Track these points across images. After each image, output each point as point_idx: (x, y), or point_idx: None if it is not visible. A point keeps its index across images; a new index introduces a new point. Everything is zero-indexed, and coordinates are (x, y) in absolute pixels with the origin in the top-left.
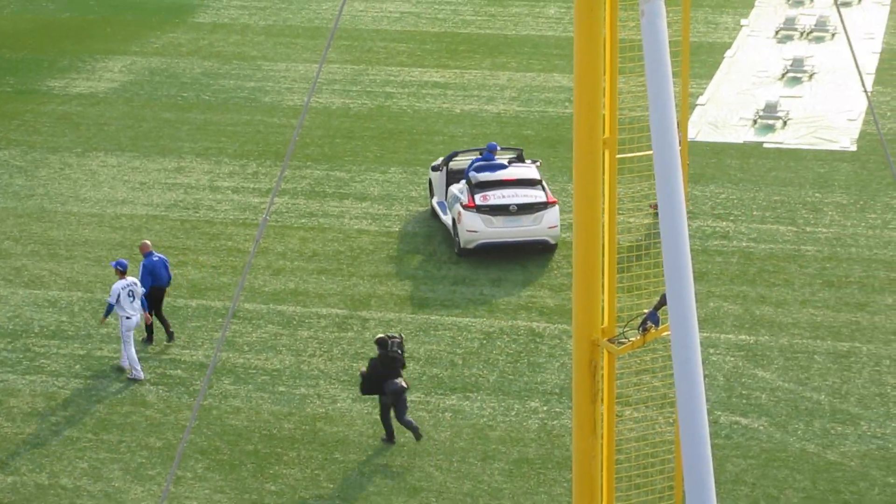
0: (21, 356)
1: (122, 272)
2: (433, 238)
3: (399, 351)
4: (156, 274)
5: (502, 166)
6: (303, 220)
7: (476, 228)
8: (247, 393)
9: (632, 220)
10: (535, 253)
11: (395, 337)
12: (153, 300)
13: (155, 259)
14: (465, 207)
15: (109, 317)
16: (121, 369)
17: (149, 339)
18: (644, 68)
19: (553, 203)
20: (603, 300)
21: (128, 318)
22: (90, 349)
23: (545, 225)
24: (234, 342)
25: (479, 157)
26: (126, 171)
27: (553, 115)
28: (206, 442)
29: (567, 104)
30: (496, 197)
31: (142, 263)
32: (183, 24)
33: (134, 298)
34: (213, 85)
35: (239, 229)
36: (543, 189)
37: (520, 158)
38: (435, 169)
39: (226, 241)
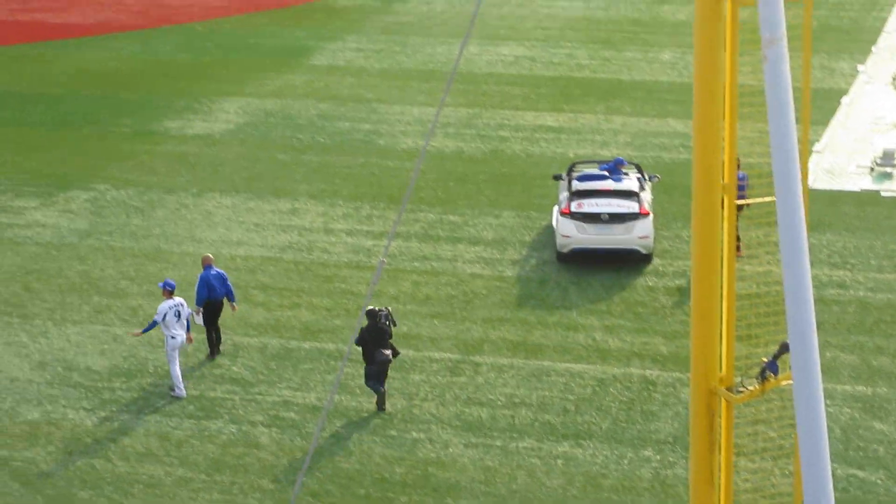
0: (136, 396)
1: (169, 292)
2: (546, 283)
3: (388, 323)
4: (211, 286)
5: (603, 177)
6: (416, 264)
7: (569, 234)
8: (359, 436)
9: (749, 267)
10: (647, 297)
11: (383, 310)
12: (210, 313)
13: (213, 273)
14: (562, 214)
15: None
16: (171, 388)
17: (212, 354)
18: (765, 114)
19: (646, 214)
20: (721, 348)
21: (173, 337)
22: (203, 390)
23: (636, 235)
24: (346, 385)
25: (599, 168)
26: (241, 211)
27: (667, 161)
28: (317, 485)
29: (682, 149)
30: (590, 205)
31: (200, 275)
32: (299, 67)
33: (179, 318)
34: (328, 127)
35: (352, 272)
36: (638, 201)
37: (640, 172)
38: (556, 178)
39: (339, 284)
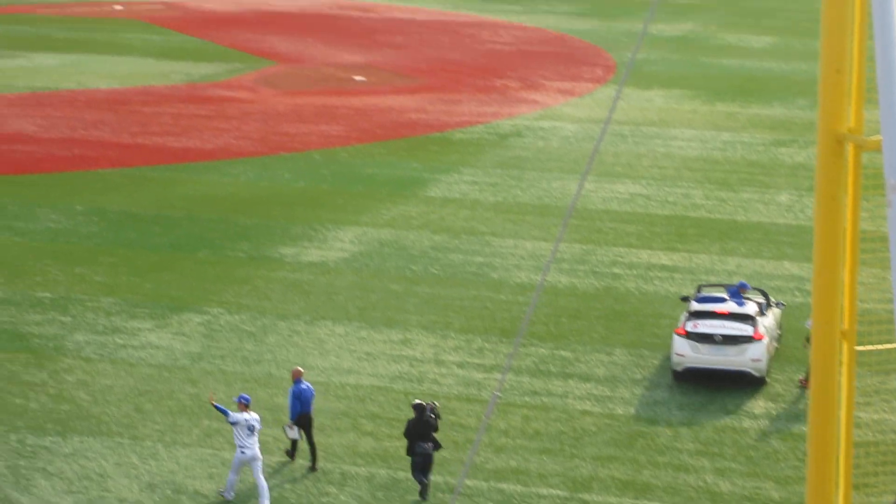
0: None
1: (244, 405)
2: (657, 422)
3: (433, 417)
4: (303, 400)
5: (721, 300)
6: (526, 399)
7: (684, 353)
8: None
9: (865, 414)
10: (760, 441)
11: (430, 405)
12: (302, 425)
13: (303, 387)
14: (677, 333)
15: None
16: (221, 490)
17: (291, 456)
18: (883, 259)
19: (759, 338)
20: (836, 496)
21: (242, 452)
22: None
23: (748, 357)
24: None
25: (726, 291)
26: (353, 340)
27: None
28: None
29: (797, 293)
30: (705, 326)
31: (291, 389)
32: (414, 198)
33: (252, 433)
34: (441, 259)
35: (462, 404)
36: (753, 324)
37: (766, 298)
38: (684, 300)
39: (448, 416)
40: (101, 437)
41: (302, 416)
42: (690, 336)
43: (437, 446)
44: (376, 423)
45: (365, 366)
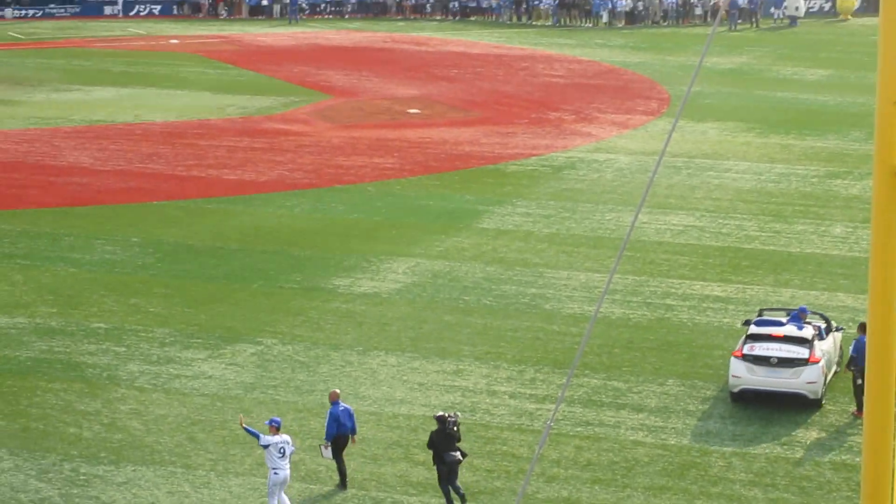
0: None
1: (276, 428)
2: (710, 453)
3: (455, 428)
4: (340, 422)
5: (779, 323)
6: (578, 429)
7: (739, 374)
8: None
9: None
10: (814, 471)
11: (452, 416)
12: (337, 445)
13: (341, 409)
14: (734, 356)
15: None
16: None
17: (342, 484)
18: None
19: (815, 361)
20: None
21: (276, 473)
22: None
23: (803, 380)
24: None
25: (787, 315)
26: (405, 371)
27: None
28: None
29: (851, 324)
30: (761, 349)
31: (329, 411)
32: (467, 229)
33: (283, 456)
34: (494, 290)
35: (514, 434)
36: (810, 348)
37: (826, 322)
38: (745, 324)
39: (500, 446)
40: (154, 466)
41: (340, 437)
42: (746, 358)
43: (464, 454)
44: (428, 454)
45: (417, 396)
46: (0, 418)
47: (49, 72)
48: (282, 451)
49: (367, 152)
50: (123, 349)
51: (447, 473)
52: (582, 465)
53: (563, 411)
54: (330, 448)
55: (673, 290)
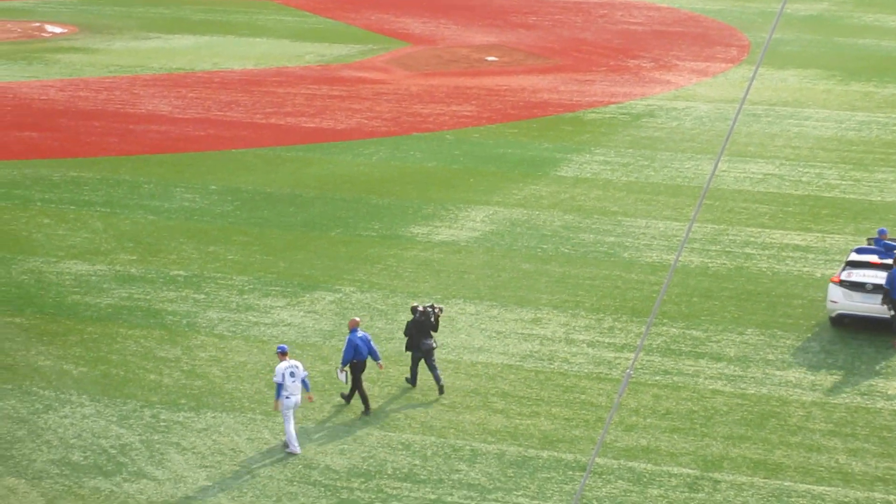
0: (373, 496)
1: (283, 354)
2: (789, 403)
3: (432, 318)
4: (358, 349)
5: (880, 252)
6: (657, 378)
7: (836, 300)
8: None
9: None
10: (894, 422)
11: (427, 307)
12: (355, 371)
13: (359, 335)
14: (832, 281)
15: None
16: (285, 445)
17: (366, 410)
18: None
19: None
20: None
21: (287, 397)
22: (440, 494)
23: None
24: (583, 495)
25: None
26: (484, 319)
27: None
28: None
29: None
30: (858, 275)
31: (347, 338)
32: (545, 178)
33: (295, 379)
34: (572, 238)
35: (592, 383)
36: None
37: None
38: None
39: (579, 395)
40: (234, 413)
41: (357, 363)
42: (843, 284)
43: (435, 344)
44: (507, 401)
45: (496, 344)
46: (81, 365)
47: (128, 20)
48: (292, 374)
49: (446, 100)
50: (203, 297)
51: (421, 358)
52: (661, 414)
53: (642, 360)
54: (346, 373)
55: (752, 239)
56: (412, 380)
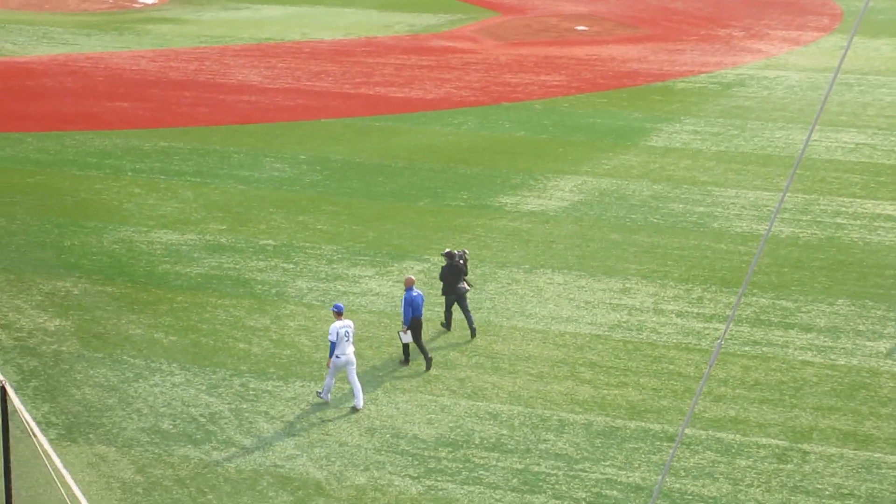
0: (460, 466)
1: (339, 314)
2: (879, 374)
3: (462, 262)
4: (415, 306)
5: None
6: (746, 348)
7: None
8: None
9: None
10: None
11: (460, 252)
12: (413, 329)
13: (415, 294)
14: None
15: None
16: (319, 392)
17: (405, 360)
18: None
19: None
20: None
21: (338, 357)
22: (528, 464)
23: None
24: (671, 466)
25: None
26: (572, 289)
27: None
28: None
29: None
30: None
31: (403, 297)
32: (634, 147)
33: (349, 339)
34: (661, 208)
35: (681, 353)
36: None
37: None
38: None
39: (667, 365)
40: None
41: (414, 321)
42: None
43: (470, 285)
44: (595, 372)
45: (584, 314)
46: (171, 333)
47: None
48: (346, 334)
49: (535, 70)
50: (292, 266)
51: (455, 301)
52: (749, 385)
53: (731, 330)
54: (409, 332)
55: (843, 209)
56: (447, 324)
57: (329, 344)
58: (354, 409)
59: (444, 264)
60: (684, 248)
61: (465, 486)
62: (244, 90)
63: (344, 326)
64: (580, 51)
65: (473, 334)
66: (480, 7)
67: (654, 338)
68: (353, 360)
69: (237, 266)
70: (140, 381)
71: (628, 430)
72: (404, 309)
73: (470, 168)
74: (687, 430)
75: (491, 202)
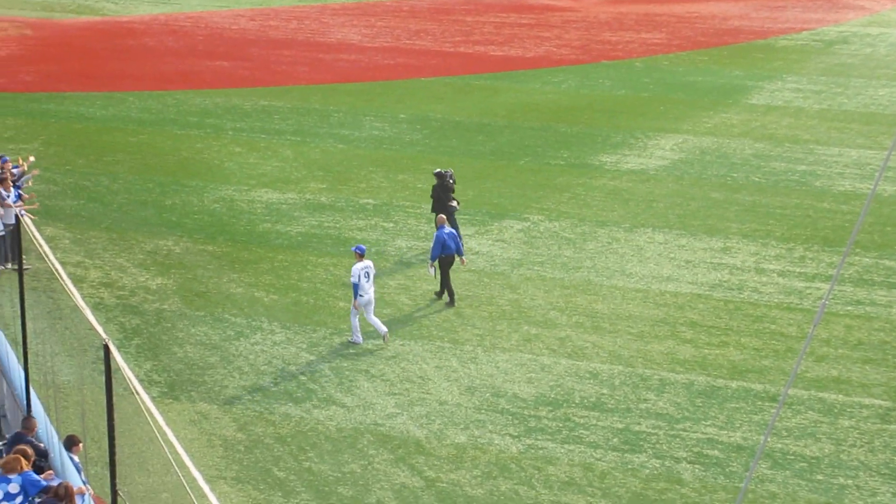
0: (561, 425)
1: (360, 255)
2: None
3: (451, 181)
4: (446, 245)
5: None
6: (849, 308)
7: None
8: (783, 479)
9: None
10: None
11: (448, 171)
12: (443, 265)
13: (446, 232)
14: None
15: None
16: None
17: (440, 294)
18: None
19: None
20: None
21: (361, 296)
22: (628, 423)
23: None
24: (774, 427)
25: None
26: (672, 248)
27: None
28: None
29: None
30: None
31: (435, 234)
32: (735, 105)
33: (369, 279)
34: (763, 167)
35: (783, 313)
36: None
37: None
38: None
39: (769, 325)
40: (423, 341)
41: (445, 258)
42: None
43: (458, 202)
44: (695, 331)
45: (684, 273)
46: (272, 292)
47: None
48: (367, 275)
49: (635, 27)
50: (391, 225)
51: (447, 219)
52: (852, 345)
53: (834, 290)
54: (434, 267)
55: None
56: (445, 293)
57: (352, 286)
58: (385, 339)
59: (434, 183)
60: (786, 207)
61: (566, 446)
62: (343, 49)
63: (365, 268)
64: (681, 8)
65: (461, 258)
66: None
67: (756, 297)
68: (373, 299)
69: (337, 225)
70: (241, 339)
71: (729, 390)
72: (433, 246)
73: (570, 127)
74: (790, 391)
75: (591, 161)
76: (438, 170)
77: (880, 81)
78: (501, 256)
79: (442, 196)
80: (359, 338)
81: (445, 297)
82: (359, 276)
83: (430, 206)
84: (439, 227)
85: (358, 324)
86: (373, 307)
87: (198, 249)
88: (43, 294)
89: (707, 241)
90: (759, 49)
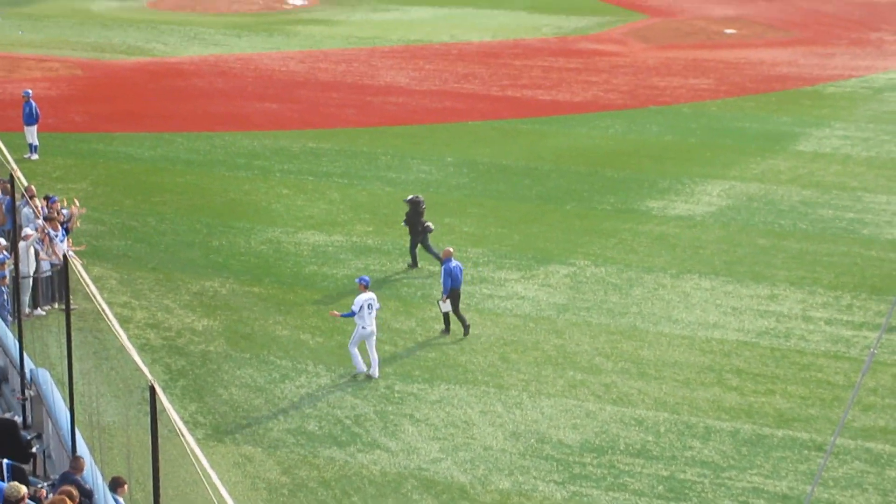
0: (605, 472)
1: (365, 286)
2: None
3: (423, 207)
4: (454, 277)
5: None
6: None
7: None
8: None
9: None
10: None
11: (419, 198)
12: (452, 298)
13: (453, 265)
14: None
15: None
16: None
17: (446, 330)
18: None
19: None
20: None
21: (363, 328)
22: (673, 471)
23: None
24: (820, 476)
25: None
26: (719, 295)
27: None
28: None
29: None
30: None
31: (443, 268)
32: (783, 152)
33: (372, 311)
34: (810, 214)
35: (830, 361)
36: None
37: None
38: None
39: (815, 373)
40: (467, 386)
41: (453, 291)
42: None
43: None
44: (742, 378)
45: (731, 320)
46: (318, 335)
47: None
48: (370, 307)
49: (683, 73)
50: (438, 269)
51: (418, 243)
52: None
53: (882, 338)
54: (448, 301)
55: None
56: (413, 262)
57: (349, 311)
58: (369, 378)
59: (407, 210)
60: (833, 255)
61: (610, 493)
62: (392, 92)
63: (369, 299)
64: (729, 54)
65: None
66: (629, 9)
67: (803, 345)
68: (375, 331)
69: (383, 268)
70: (286, 381)
71: (775, 439)
72: (443, 279)
73: (617, 171)
74: (836, 440)
75: (638, 206)
76: (411, 196)
77: None
78: (547, 301)
79: (415, 221)
80: (363, 367)
81: (460, 329)
82: (360, 307)
83: (406, 231)
84: (446, 259)
85: (356, 353)
86: (374, 338)
87: (244, 291)
88: (89, 334)
89: (754, 288)
90: (807, 95)
